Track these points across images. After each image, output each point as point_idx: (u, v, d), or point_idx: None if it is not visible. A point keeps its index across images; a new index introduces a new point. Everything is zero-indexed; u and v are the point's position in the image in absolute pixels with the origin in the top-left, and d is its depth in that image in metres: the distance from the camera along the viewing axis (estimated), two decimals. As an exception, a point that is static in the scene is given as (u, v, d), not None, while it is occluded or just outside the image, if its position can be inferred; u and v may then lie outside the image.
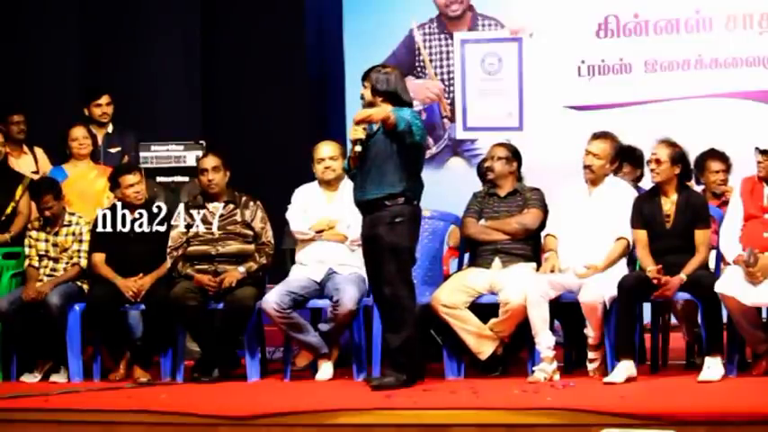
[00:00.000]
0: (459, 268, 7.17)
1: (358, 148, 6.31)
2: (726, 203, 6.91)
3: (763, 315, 6.82)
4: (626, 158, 7.20)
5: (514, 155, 7.08)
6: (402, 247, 6.36)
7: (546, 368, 6.52)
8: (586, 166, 6.80)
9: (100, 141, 8.29)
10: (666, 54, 9.52)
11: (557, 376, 6.52)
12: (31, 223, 7.48)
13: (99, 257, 7.27)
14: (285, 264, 7.48)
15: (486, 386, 6.33)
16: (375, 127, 6.37)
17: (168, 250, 7.12)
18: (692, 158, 6.85)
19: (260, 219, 7.18)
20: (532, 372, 6.57)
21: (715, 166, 7.29)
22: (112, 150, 8.28)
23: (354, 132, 6.31)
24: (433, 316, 6.77)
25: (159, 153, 8.57)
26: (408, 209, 6.39)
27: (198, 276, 7.00)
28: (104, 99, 8.34)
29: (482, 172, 7.45)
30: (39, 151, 8.34)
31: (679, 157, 6.62)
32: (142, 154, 8.49)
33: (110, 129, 8.36)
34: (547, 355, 6.54)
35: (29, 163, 8.22)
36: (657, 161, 6.61)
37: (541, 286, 6.59)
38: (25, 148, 8.31)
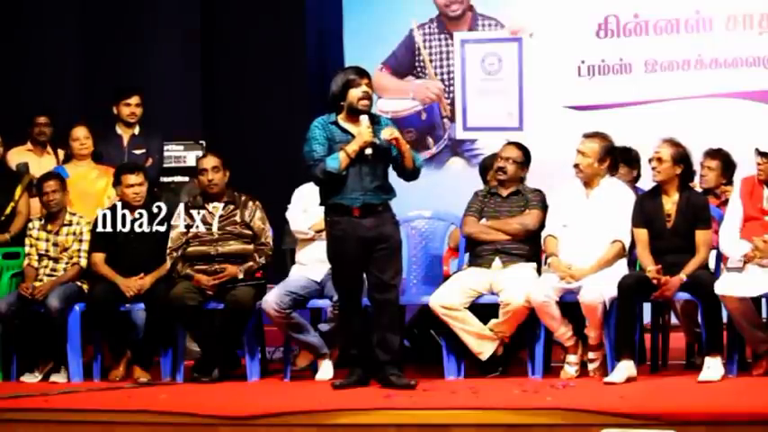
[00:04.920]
0: (459, 268, 7.18)
1: (368, 151, 6.32)
2: (726, 203, 6.90)
3: (764, 315, 6.83)
4: (621, 159, 7.20)
5: (527, 159, 7.08)
6: (401, 247, 6.48)
7: (572, 360, 6.65)
8: (575, 166, 6.81)
9: (125, 142, 8.19)
10: (666, 54, 9.51)
11: (594, 364, 6.63)
12: (32, 222, 7.48)
13: (99, 257, 7.27)
14: (285, 264, 7.48)
15: (486, 386, 6.34)
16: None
17: (168, 251, 7.12)
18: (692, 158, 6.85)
19: (259, 219, 7.18)
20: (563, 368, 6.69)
21: (707, 163, 7.27)
22: (137, 152, 8.14)
23: (370, 135, 6.32)
24: (432, 316, 6.78)
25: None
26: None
27: (197, 276, 7.00)
28: (134, 99, 8.18)
29: (485, 170, 7.42)
30: (62, 154, 8.29)
31: (681, 157, 6.61)
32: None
33: (137, 130, 8.23)
34: (571, 344, 6.66)
35: (50, 163, 8.17)
36: (659, 159, 6.61)
37: (545, 291, 6.58)
38: (49, 149, 8.28)
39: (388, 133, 6.34)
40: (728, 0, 9.38)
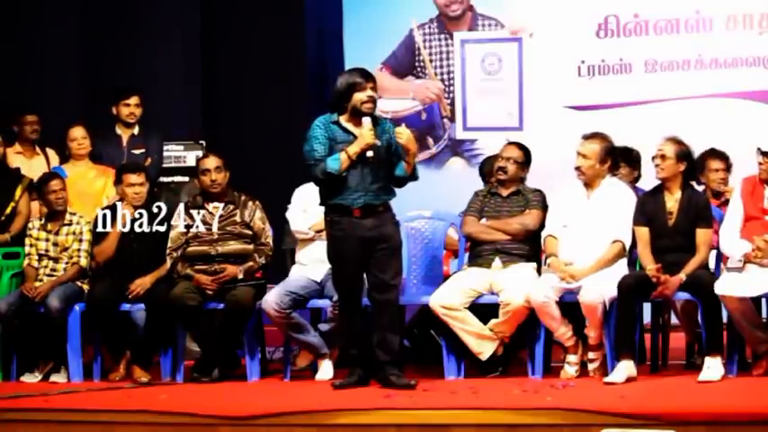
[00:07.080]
0: (459, 268, 7.17)
1: (370, 153, 6.32)
2: (726, 203, 6.91)
3: (764, 315, 6.83)
4: (623, 159, 7.19)
5: (528, 159, 7.08)
6: (401, 247, 6.47)
7: (572, 360, 6.64)
8: (576, 168, 6.81)
9: (125, 142, 8.20)
10: (666, 54, 9.51)
11: (594, 364, 6.61)
12: (32, 222, 7.48)
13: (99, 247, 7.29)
14: (285, 264, 7.48)
15: (486, 386, 6.34)
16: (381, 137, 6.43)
17: (168, 251, 7.12)
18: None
19: (259, 218, 7.18)
20: (562, 368, 6.68)
21: (715, 164, 7.29)
22: (136, 152, 8.14)
23: (372, 137, 6.31)
24: (432, 316, 6.78)
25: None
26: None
27: (197, 276, 7.00)
28: (134, 100, 8.19)
29: (487, 170, 7.41)
30: (51, 152, 8.31)
31: (684, 154, 6.62)
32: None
33: (136, 130, 8.23)
34: (571, 344, 6.65)
35: (41, 164, 8.19)
36: (663, 156, 6.61)
37: (544, 291, 6.58)
38: (37, 149, 8.29)
39: (404, 137, 6.30)
40: (728, 0, 9.39)
